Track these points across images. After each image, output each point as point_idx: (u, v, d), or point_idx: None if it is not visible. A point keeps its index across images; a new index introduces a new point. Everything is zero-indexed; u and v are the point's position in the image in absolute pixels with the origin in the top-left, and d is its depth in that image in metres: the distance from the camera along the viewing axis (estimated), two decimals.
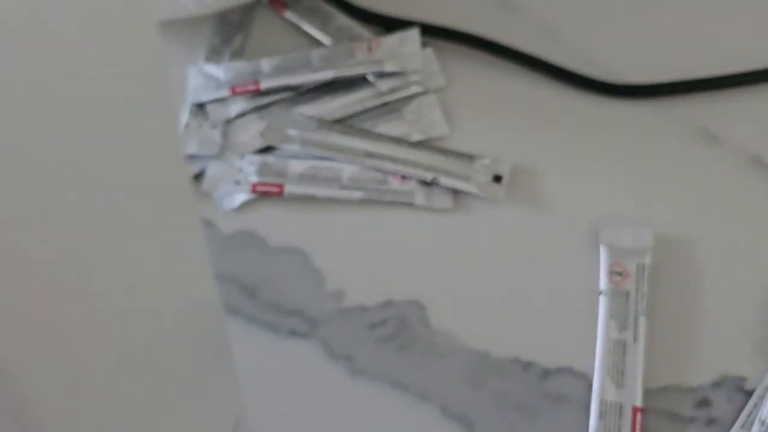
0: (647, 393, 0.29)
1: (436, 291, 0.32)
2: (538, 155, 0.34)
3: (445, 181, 0.33)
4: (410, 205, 0.33)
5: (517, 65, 0.35)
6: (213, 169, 0.34)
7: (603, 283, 0.31)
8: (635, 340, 0.30)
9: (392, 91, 0.35)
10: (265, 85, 0.35)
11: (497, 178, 0.33)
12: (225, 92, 0.35)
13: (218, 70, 0.35)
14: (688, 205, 0.33)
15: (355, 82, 0.35)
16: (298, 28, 0.36)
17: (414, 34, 0.35)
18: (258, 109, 0.35)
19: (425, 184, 0.33)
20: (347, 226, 0.33)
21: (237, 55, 0.37)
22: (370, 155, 0.33)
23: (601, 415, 0.29)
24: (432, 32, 0.36)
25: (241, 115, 0.35)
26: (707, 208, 0.32)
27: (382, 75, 0.34)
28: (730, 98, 0.34)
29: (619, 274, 0.31)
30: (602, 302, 0.31)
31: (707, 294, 0.31)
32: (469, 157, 0.34)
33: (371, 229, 0.33)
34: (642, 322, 0.30)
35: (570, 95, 0.34)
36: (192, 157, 0.35)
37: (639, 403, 0.29)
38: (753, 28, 0.35)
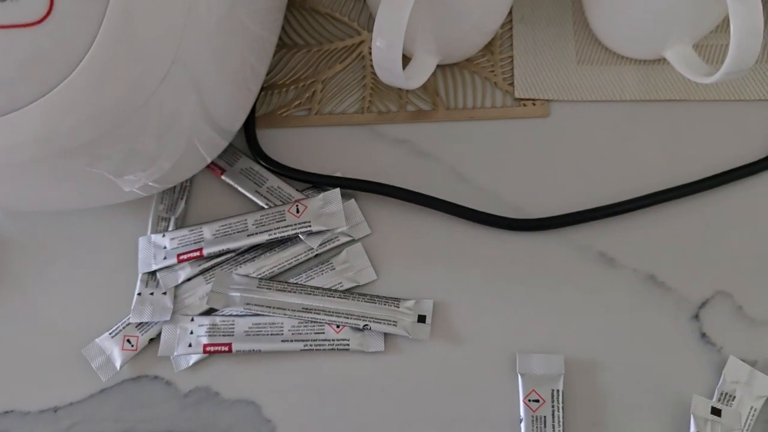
0: None
1: (374, 429, 0.35)
2: (457, 292, 0.37)
3: (375, 326, 0.36)
4: (346, 350, 0.37)
5: (431, 209, 0.39)
6: (167, 334, 0.38)
7: (522, 410, 0.34)
8: None
9: (322, 244, 0.39)
10: (207, 251, 0.38)
11: (421, 318, 0.37)
12: (172, 260, 0.38)
13: (164, 240, 0.39)
14: (594, 327, 0.36)
15: (289, 240, 0.39)
16: (234, 190, 0.40)
17: (336, 193, 0.39)
18: (203, 272, 0.39)
19: (358, 330, 0.37)
20: (292, 376, 0.37)
21: (181, 220, 0.40)
22: (306, 309, 0.37)
23: None
24: (353, 185, 0.39)
25: (188, 279, 0.39)
26: (610, 329, 0.36)
27: (311, 233, 0.38)
28: (621, 223, 0.37)
29: (536, 401, 0.34)
30: (522, 429, 0.34)
31: (617, 411, 0.34)
32: (395, 301, 0.37)
33: (313, 376, 0.37)
34: None
35: (481, 233, 0.38)
36: (146, 324, 0.38)
37: None
38: (635, 160, 0.39)
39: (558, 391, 0.34)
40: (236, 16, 0.34)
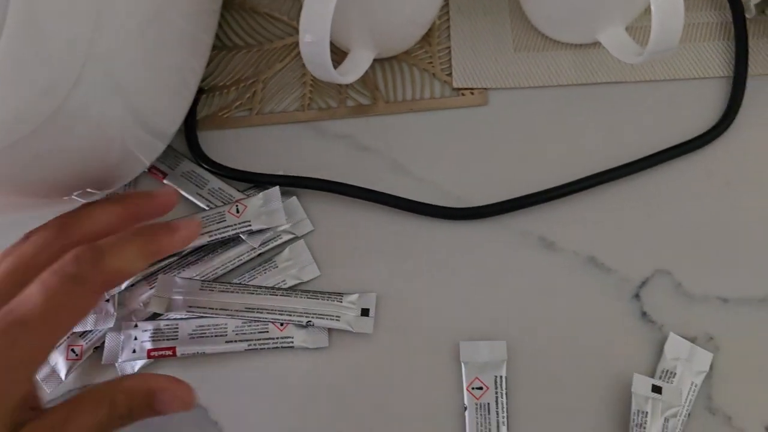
0: None
1: (322, 425, 0.35)
2: (400, 284, 0.37)
3: (318, 322, 0.36)
4: (291, 348, 0.36)
5: (373, 203, 0.39)
6: (110, 341, 0.37)
7: (466, 398, 0.34)
8: None
9: (264, 243, 0.38)
10: None
11: (365, 312, 0.37)
12: None
13: None
14: (536, 312, 0.36)
15: (232, 240, 0.39)
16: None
17: (275, 192, 0.39)
18: (146, 277, 0.39)
19: (302, 327, 0.37)
20: (237, 376, 0.37)
21: None
22: (249, 309, 0.37)
23: None
24: (294, 183, 0.39)
25: (131, 285, 0.38)
26: (553, 312, 0.36)
27: (252, 233, 0.38)
28: (561, 207, 0.38)
29: (479, 388, 0.34)
30: (467, 417, 0.34)
31: (560, 394, 0.34)
32: (338, 295, 0.37)
33: (258, 375, 0.36)
34: (504, 431, 0.33)
35: (422, 224, 0.38)
36: (90, 332, 0.38)
37: None
38: (573, 144, 0.39)
39: (501, 377, 0.34)
40: (163, 18, 0.34)
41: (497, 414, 0.34)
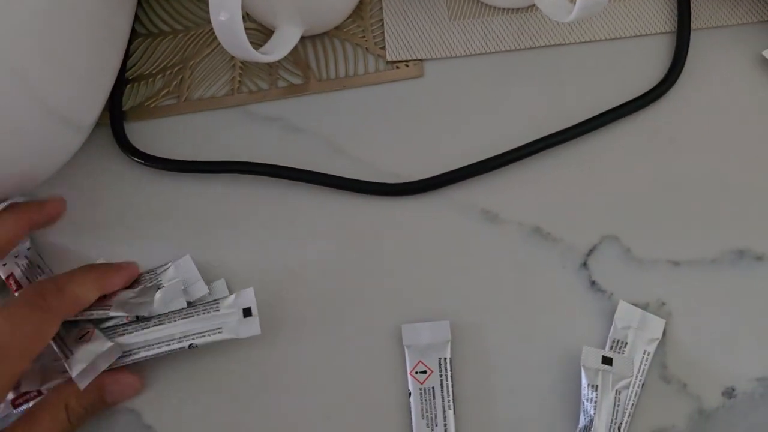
0: None
1: (260, 421, 0.33)
2: (339, 268, 0.35)
3: (201, 341, 0.32)
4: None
5: (306, 183, 0.37)
6: None
7: (410, 383, 0.32)
8: None
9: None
10: None
11: (246, 312, 0.33)
12: None
13: None
14: (481, 287, 0.34)
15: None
16: None
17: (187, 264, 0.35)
18: None
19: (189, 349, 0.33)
20: (168, 377, 0.35)
21: None
22: (126, 353, 0.33)
23: None
24: (228, 168, 0.37)
25: None
26: (499, 287, 0.34)
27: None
28: (503, 178, 0.36)
29: (423, 372, 0.32)
30: (412, 403, 0.32)
31: (508, 373, 0.33)
32: (213, 303, 0.34)
33: (190, 374, 0.35)
34: (450, 416, 0.32)
35: (359, 203, 0.36)
36: None
37: None
38: (514, 111, 0.37)
39: (445, 359, 0.33)
40: (61, 7, 0.32)
41: (442, 398, 0.32)
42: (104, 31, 0.36)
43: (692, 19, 0.38)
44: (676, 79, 0.37)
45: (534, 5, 0.38)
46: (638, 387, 0.32)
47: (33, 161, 0.35)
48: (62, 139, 0.35)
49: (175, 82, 0.41)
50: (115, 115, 0.40)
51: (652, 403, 0.32)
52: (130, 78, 0.41)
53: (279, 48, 0.38)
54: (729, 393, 0.32)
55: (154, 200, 0.38)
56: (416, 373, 0.33)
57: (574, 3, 0.34)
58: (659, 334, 0.32)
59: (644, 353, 0.32)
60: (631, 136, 0.36)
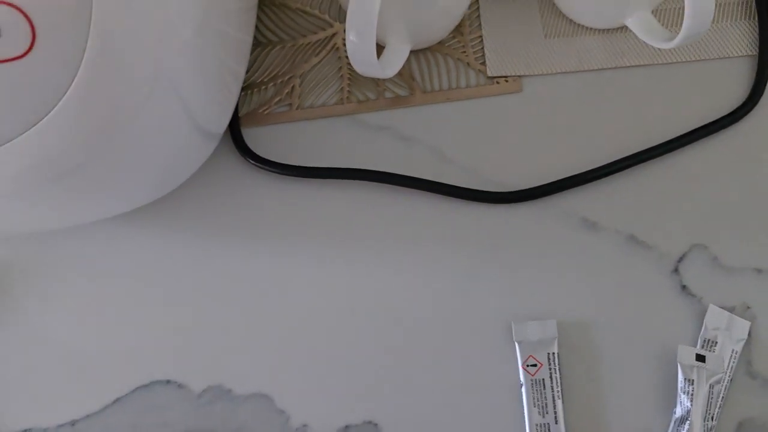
0: None
1: (386, 410, 0.37)
2: (449, 268, 0.39)
3: None
4: None
5: (418, 190, 0.40)
6: None
7: (521, 375, 0.36)
8: (556, 421, 0.35)
9: None
10: None
11: None
12: None
13: None
14: (582, 290, 0.38)
15: None
16: None
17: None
18: None
19: None
20: (299, 362, 0.38)
21: None
22: None
23: None
24: (339, 174, 0.40)
25: None
26: (597, 290, 0.38)
27: None
28: (600, 188, 0.39)
29: (534, 365, 0.36)
30: (524, 393, 0.36)
31: (609, 366, 0.37)
32: None
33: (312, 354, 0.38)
34: (560, 404, 0.35)
35: (468, 209, 0.39)
36: None
37: None
38: (607, 126, 0.40)
39: (554, 353, 0.36)
40: (210, 22, 0.35)
41: (552, 389, 0.36)
42: (235, 46, 0.39)
43: None
44: (758, 99, 0.40)
45: (624, 26, 0.41)
46: (728, 382, 0.35)
47: (175, 167, 0.38)
48: (199, 147, 0.38)
49: (286, 90, 0.44)
50: (233, 122, 0.43)
51: (740, 397, 0.35)
52: (244, 86, 0.44)
53: (392, 64, 0.41)
54: None
55: (268, 204, 0.41)
56: (527, 366, 0.36)
57: (667, 26, 0.37)
58: (745, 335, 0.36)
59: (732, 352, 0.36)
60: (718, 152, 0.40)
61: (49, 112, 0.28)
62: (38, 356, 0.40)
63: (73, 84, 0.28)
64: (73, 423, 0.39)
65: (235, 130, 0.43)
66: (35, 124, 0.28)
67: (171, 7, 0.31)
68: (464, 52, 0.43)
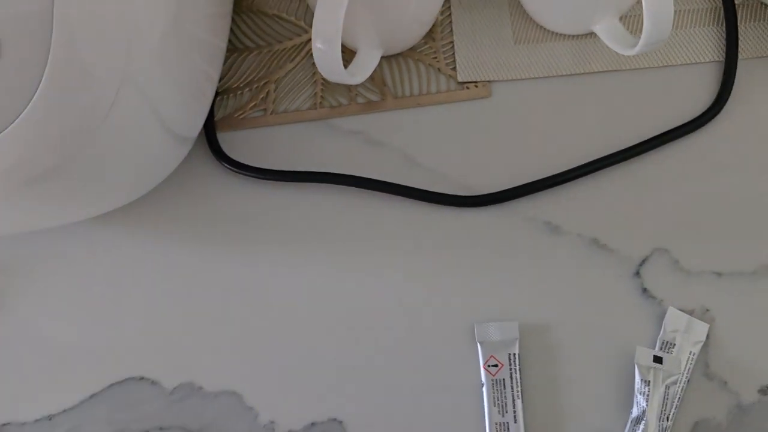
0: None
1: (350, 408, 0.38)
2: (415, 269, 0.40)
3: None
4: None
5: (386, 194, 0.41)
6: None
7: (483, 375, 0.37)
8: (515, 420, 0.36)
9: None
10: None
11: None
12: None
13: None
14: (544, 292, 0.39)
15: None
16: None
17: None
18: None
19: None
20: (269, 361, 0.39)
21: None
22: None
23: None
24: (310, 178, 0.41)
25: None
26: (560, 292, 0.38)
27: None
28: (564, 193, 0.40)
29: (495, 365, 0.37)
30: (484, 392, 0.37)
31: (569, 367, 0.37)
32: None
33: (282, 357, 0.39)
34: (519, 404, 0.36)
35: (434, 213, 0.40)
36: None
37: None
38: (574, 131, 0.41)
39: (514, 354, 0.37)
40: (180, 27, 0.36)
41: (512, 388, 0.36)
42: (208, 51, 0.40)
43: (739, 49, 0.42)
44: (723, 105, 0.41)
45: (593, 32, 0.42)
46: (684, 383, 0.36)
47: (147, 171, 0.39)
48: (172, 150, 0.39)
49: (261, 96, 0.45)
50: (208, 126, 0.44)
51: (696, 398, 0.36)
52: (219, 91, 0.45)
53: (362, 70, 0.41)
54: (765, 390, 0.36)
55: (242, 207, 0.42)
56: (489, 366, 0.37)
57: (635, 32, 0.38)
58: (703, 337, 0.37)
59: (690, 354, 0.36)
60: (681, 157, 0.40)
61: (16, 118, 0.29)
62: (16, 352, 0.41)
63: (38, 90, 0.29)
64: (50, 417, 0.40)
65: (210, 134, 0.44)
66: (3, 130, 0.29)
67: (138, 12, 0.32)
68: (435, 57, 0.44)
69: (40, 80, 0.29)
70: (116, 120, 0.32)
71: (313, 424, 0.38)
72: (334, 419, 0.38)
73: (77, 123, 0.30)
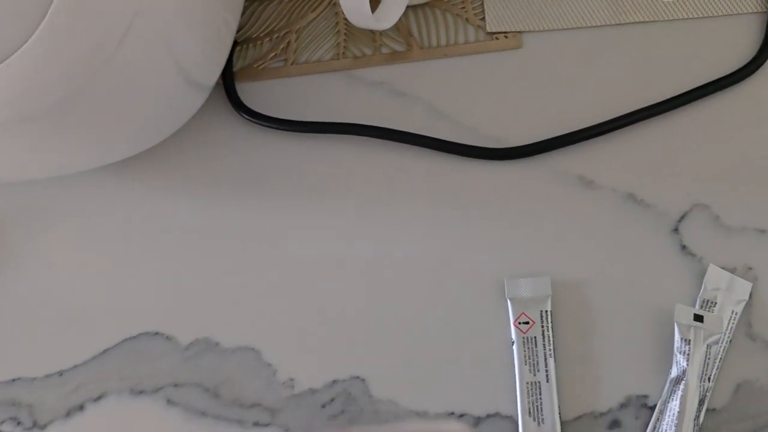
0: (564, 425, 0.34)
1: (373, 365, 0.36)
2: (442, 224, 0.38)
3: None
4: None
5: (413, 146, 0.39)
6: None
7: (513, 333, 0.35)
8: (548, 380, 0.34)
9: None
10: None
11: None
12: None
13: None
14: (578, 248, 0.37)
15: None
16: None
17: None
18: None
19: None
20: (288, 316, 0.38)
21: None
22: None
23: None
24: (333, 129, 0.40)
25: None
26: (594, 248, 0.37)
27: None
28: (598, 146, 0.38)
29: (526, 323, 0.35)
30: (515, 351, 0.35)
31: (604, 326, 0.36)
32: None
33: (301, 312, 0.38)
34: (551, 363, 0.34)
35: (463, 165, 0.39)
36: None
37: None
38: (608, 84, 0.39)
39: (547, 311, 0.35)
40: None
41: (544, 347, 0.35)
42: None
43: None
44: (766, 58, 0.39)
45: None
46: (726, 343, 0.34)
47: (161, 116, 0.37)
48: (187, 96, 0.38)
49: (282, 46, 0.43)
50: (227, 76, 0.42)
51: (739, 358, 0.34)
52: (239, 41, 0.44)
53: (388, 16, 0.40)
54: None
55: (261, 159, 0.41)
56: (519, 323, 0.35)
57: None
58: (746, 296, 0.35)
59: (732, 313, 0.35)
60: (722, 111, 0.38)
61: (21, 47, 0.27)
62: (27, 307, 0.39)
63: (45, 18, 0.27)
64: (60, 373, 0.38)
65: (228, 84, 0.42)
66: (6, 59, 0.28)
67: None
68: (463, 7, 0.42)
69: (49, 6, 0.27)
70: (128, 54, 0.30)
71: (334, 381, 0.36)
72: (357, 377, 0.36)
73: (86, 53, 0.28)
